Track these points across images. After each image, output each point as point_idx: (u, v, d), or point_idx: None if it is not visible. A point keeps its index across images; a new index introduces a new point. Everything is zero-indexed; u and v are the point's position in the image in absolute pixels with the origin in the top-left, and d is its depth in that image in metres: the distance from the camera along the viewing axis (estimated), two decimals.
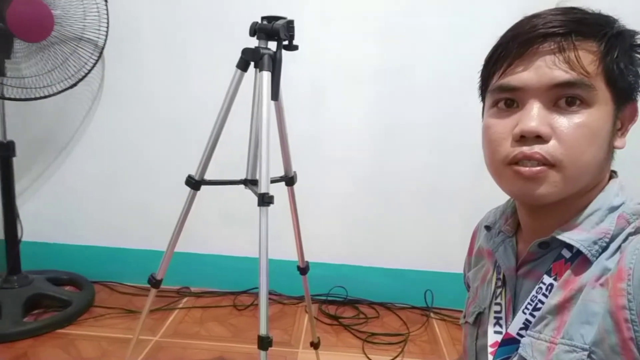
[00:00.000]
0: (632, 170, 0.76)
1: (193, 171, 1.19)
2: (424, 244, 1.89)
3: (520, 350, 0.56)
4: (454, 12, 1.70)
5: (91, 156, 1.91)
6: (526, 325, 0.57)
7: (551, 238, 0.56)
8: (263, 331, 1.01)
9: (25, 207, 1.87)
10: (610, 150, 0.55)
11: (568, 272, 0.54)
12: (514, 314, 0.60)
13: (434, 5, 1.70)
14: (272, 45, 1.10)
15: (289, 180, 1.28)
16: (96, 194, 1.94)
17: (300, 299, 1.89)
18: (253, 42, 1.10)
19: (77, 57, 1.65)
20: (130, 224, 1.96)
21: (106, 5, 1.64)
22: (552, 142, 0.52)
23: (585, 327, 0.50)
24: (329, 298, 1.91)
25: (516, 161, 0.54)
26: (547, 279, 0.56)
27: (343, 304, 1.90)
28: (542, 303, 0.55)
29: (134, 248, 1.95)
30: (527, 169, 0.53)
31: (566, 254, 0.55)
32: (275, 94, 1.06)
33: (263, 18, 1.10)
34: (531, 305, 0.57)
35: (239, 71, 1.12)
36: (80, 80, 1.66)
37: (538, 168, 0.52)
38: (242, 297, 1.91)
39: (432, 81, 1.76)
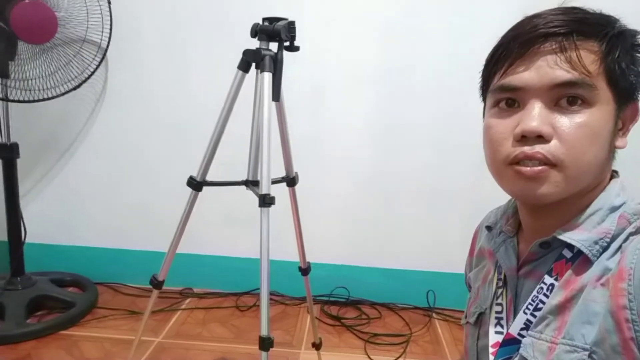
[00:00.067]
0: (633, 170, 0.76)
1: (195, 172, 1.20)
2: (426, 244, 1.89)
3: (521, 351, 0.56)
4: (454, 12, 1.70)
5: (94, 158, 1.91)
6: (527, 326, 0.57)
7: (552, 238, 0.56)
8: (264, 332, 1.01)
9: (28, 209, 1.88)
10: (611, 150, 0.55)
11: (569, 272, 0.54)
12: (515, 314, 0.60)
13: (434, 6, 1.70)
14: (274, 46, 1.10)
15: (291, 181, 1.28)
16: (99, 195, 1.95)
17: (303, 299, 1.89)
18: (254, 43, 1.11)
19: (80, 59, 1.65)
20: (133, 226, 1.96)
21: (109, 7, 1.65)
22: (554, 142, 0.52)
23: (586, 327, 0.50)
24: (331, 299, 1.91)
25: (517, 161, 0.54)
26: (548, 279, 0.56)
27: (345, 304, 1.90)
28: (543, 303, 0.55)
29: (138, 249, 1.96)
30: (529, 168, 0.53)
31: (567, 254, 0.55)
32: (276, 95, 1.07)
33: (264, 19, 1.10)
34: (532, 305, 0.57)
35: (240, 72, 1.13)
36: (84, 82, 1.67)
37: (539, 168, 0.52)
38: (245, 298, 1.91)
39: (433, 81, 1.76)
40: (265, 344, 1.01)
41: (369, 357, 1.57)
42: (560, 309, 0.53)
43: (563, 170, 0.52)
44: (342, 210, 1.90)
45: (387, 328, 1.76)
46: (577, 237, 0.54)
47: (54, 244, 1.98)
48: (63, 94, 1.62)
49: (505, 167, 0.55)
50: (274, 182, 1.14)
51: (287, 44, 1.09)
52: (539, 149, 0.52)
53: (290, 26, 1.07)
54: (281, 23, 1.07)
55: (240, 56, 1.12)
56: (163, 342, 1.60)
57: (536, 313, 0.56)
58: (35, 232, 1.80)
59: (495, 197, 0.71)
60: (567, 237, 0.55)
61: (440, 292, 1.88)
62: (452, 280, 1.79)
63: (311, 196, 1.72)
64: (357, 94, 1.79)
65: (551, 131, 0.52)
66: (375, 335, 1.70)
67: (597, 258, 0.53)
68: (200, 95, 1.81)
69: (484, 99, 0.62)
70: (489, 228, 0.70)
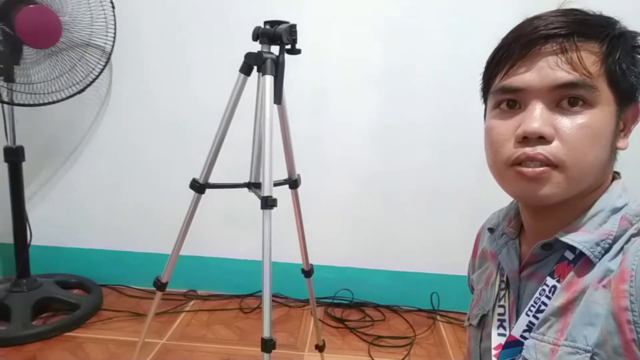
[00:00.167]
0: (634, 172, 0.76)
1: (198, 175, 1.20)
2: (430, 246, 1.88)
3: (524, 353, 0.56)
4: (454, 12, 1.70)
5: (99, 161, 1.93)
6: (530, 328, 0.57)
7: (554, 240, 0.56)
8: (266, 334, 1.01)
9: (34, 212, 1.90)
10: (612, 151, 0.55)
11: (571, 273, 0.54)
12: (518, 316, 0.60)
13: (434, 6, 1.70)
14: (275, 49, 1.11)
15: (293, 183, 1.28)
16: (104, 198, 1.96)
17: (306, 301, 1.89)
18: (255, 46, 1.11)
19: (85, 63, 1.67)
20: (137, 228, 1.97)
21: (113, 11, 1.66)
22: (555, 143, 0.52)
23: (588, 328, 0.50)
24: (335, 301, 1.91)
25: (519, 162, 0.54)
26: (550, 281, 0.56)
27: (349, 306, 1.89)
28: (546, 305, 0.55)
29: (142, 252, 1.97)
30: (530, 169, 0.53)
31: (569, 255, 0.55)
32: (278, 98, 1.07)
33: (266, 22, 1.11)
34: (534, 307, 0.57)
35: (242, 75, 1.13)
36: (88, 85, 1.68)
37: (541, 169, 0.52)
38: (249, 300, 1.92)
39: (433, 81, 1.76)
40: (268, 345, 1.01)
41: None
42: (563, 311, 0.53)
43: (564, 171, 0.52)
44: (344, 212, 1.90)
45: (391, 330, 1.76)
46: (578, 238, 0.54)
47: (59, 246, 1.99)
48: (68, 98, 1.63)
49: (507, 169, 0.55)
50: (276, 184, 1.14)
51: (288, 47, 1.09)
52: (540, 150, 0.52)
53: (292, 29, 1.08)
54: (282, 26, 1.07)
55: (241, 58, 1.13)
56: (167, 344, 1.60)
57: (538, 315, 0.56)
58: (40, 234, 1.81)
59: (498, 198, 0.70)
60: (569, 238, 0.55)
61: (444, 295, 1.88)
62: (456, 282, 1.79)
63: (313, 198, 1.72)
64: (358, 95, 1.80)
65: (552, 132, 0.52)
66: (379, 337, 1.69)
67: (599, 260, 0.53)
68: (203, 98, 1.82)
69: (485, 101, 0.63)
70: (491, 230, 0.70)
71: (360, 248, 1.92)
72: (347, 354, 1.60)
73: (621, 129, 0.56)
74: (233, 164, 1.40)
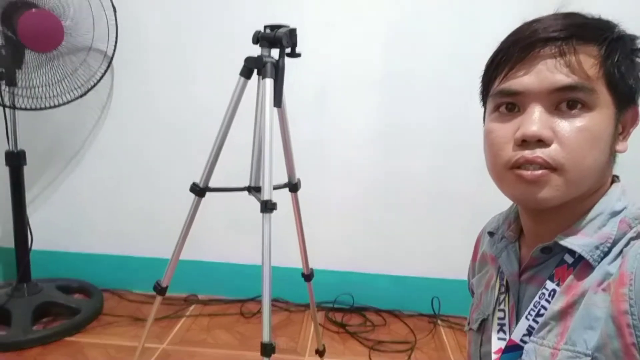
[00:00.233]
0: (634, 175, 0.75)
1: (199, 178, 1.20)
2: (431, 250, 1.88)
3: (524, 357, 0.56)
4: (454, 15, 1.71)
5: (100, 165, 1.93)
6: (530, 332, 0.56)
7: (553, 243, 0.56)
8: (266, 338, 1.01)
9: (35, 216, 1.90)
10: (611, 154, 0.55)
11: (570, 277, 0.54)
12: (518, 320, 0.59)
13: (435, 9, 1.71)
14: (275, 53, 1.11)
15: (293, 186, 1.29)
16: (105, 202, 1.96)
17: (307, 306, 1.88)
18: (256, 49, 1.12)
19: (86, 67, 1.67)
20: (139, 232, 1.97)
21: (115, 15, 1.67)
22: (554, 146, 0.52)
23: (588, 332, 0.50)
24: (336, 305, 1.90)
25: (518, 165, 0.53)
26: (550, 285, 0.56)
27: (349, 311, 1.89)
28: (545, 309, 0.55)
29: (143, 256, 1.96)
30: (529, 172, 0.52)
31: (568, 259, 0.55)
32: (277, 101, 1.08)
33: (266, 27, 1.11)
34: (534, 311, 0.56)
35: (243, 79, 1.14)
36: (90, 89, 1.69)
37: (540, 172, 0.52)
38: (249, 305, 1.91)
39: (434, 85, 1.76)
40: (267, 350, 1.01)
41: None
42: (562, 315, 0.53)
43: (563, 174, 0.52)
44: (345, 215, 1.89)
45: (392, 335, 1.75)
46: (578, 242, 0.54)
47: (60, 250, 1.99)
48: (69, 102, 1.64)
49: (506, 172, 0.55)
50: (276, 187, 1.14)
51: (288, 50, 1.10)
52: (539, 153, 0.52)
53: (292, 33, 1.08)
54: (282, 30, 1.08)
55: (242, 61, 1.13)
56: (167, 349, 1.60)
57: (538, 319, 0.56)
58: (41, 239, 1.81)
59: (499, 202, 0.70)
60: (568, 242, 0.54)
61: (445, 299, 1.87)
62: (457, 286, 1.78)
63: (314, 201, 1.72)
64: (358, 98, 1.80)
65: (551, 135, 0.52)
66: (380, 342, 1.69)
67: (598, 263, 0.52)
68: (205, 102, 1.82)
69: (484, 104, 0.63)
70: (491, 234, 0.70)
71: (360, 252, 1.92)
72: (348, 358, 1.60)
73: (620, 132, 0.56)
74: (233, 168, 1.40)
